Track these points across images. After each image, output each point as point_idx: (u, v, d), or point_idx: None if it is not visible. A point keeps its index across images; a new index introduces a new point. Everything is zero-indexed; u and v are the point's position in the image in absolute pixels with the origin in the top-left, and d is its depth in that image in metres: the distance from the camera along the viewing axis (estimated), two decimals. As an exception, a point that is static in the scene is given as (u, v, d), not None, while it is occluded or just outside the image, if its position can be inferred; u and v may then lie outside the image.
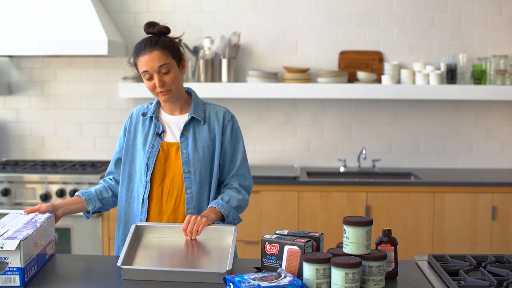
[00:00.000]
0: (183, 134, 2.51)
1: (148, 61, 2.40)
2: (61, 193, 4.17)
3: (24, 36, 4.30)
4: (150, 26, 2.47)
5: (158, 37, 2.44)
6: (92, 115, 4.81)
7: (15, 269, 2.02)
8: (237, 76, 4.69)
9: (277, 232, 2.20)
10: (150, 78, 2.42)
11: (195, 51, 4.60)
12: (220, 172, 2.56)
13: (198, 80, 4.56)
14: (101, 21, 4.31)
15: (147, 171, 2.49)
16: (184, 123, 2.51)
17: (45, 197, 4.18)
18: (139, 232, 2.37)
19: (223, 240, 2.34)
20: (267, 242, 2.11)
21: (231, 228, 2.34)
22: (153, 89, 2.43)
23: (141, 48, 2.43)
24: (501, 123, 4.72)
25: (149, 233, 2.38)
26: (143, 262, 2.23)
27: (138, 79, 4.50)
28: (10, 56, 4.75)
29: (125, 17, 4.72)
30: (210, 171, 2.52)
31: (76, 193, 2.58)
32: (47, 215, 2.37)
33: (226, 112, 2.57)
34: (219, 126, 2.53)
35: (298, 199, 4.19)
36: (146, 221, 2.49)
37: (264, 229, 4.17)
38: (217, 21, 4.70)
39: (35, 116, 4.84)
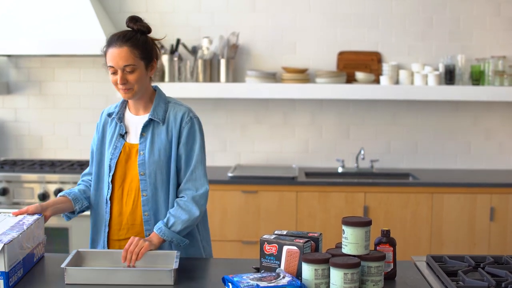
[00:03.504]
0: (142, 135, 2.47)
1: (115, 56, 2.36)
2: (59, 193, 4.15)
3: (23, 36, 4.30)
4: (132, 20, 2.44)
5: (134, 34, 2.41)
6: (90, 115, 4.80)
7: None
8: (235, 76, 4.68)
9: (276, 232, 2.20)
10: (114, 73, 2.39)
11: (194, 51, 4.60)
12: (177, 175, 2.50)
13: (197, 80, 4.56)
14: (99, 21, 4.30)
15: (109, 172, 2.48)
16: (143, 124, 2.48)
17: (43, 197, 4.17)
18: (81, 258, 2.33)
19: (166, 264, 2.27)
20: (266, 242, 2.11)
21: (173, 253, 2.28)
22: (115, 84, 2.41)
23: (113, 40, 2.39)
24: (500, 124, 4.72)
25: (91, 259, 2.33)
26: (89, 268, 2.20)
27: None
28: (9, 56, 4.74)
29: (124, 17, 4.66)
30: (167, 174, 2.47)
31: (60, 194, 2.56)
32: (35, 217, 2.34)
33: (186, 112, 2.49)
34: (176, 128, 2.47)
35: (296, 199, 4.19)
36: (109, 222, 2.50)
37: (262, 229, 4.17)
38: (216, 21, 4.69)
39: (33, 115, 4.83)
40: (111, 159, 2.49)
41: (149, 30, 2.46)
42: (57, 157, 4.84)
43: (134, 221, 2.48)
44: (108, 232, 2.52)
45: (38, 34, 4.29)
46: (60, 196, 2.55)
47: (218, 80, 4.59)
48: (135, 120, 2.51)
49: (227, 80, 4.55)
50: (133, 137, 2.50)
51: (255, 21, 4.70)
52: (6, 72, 4.82)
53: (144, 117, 2.50)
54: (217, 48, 4.55)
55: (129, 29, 2.44)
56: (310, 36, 4.70)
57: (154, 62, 2.48)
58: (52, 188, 4.20)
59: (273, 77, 4.55)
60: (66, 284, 2.10)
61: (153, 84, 2.58)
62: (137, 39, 2.40)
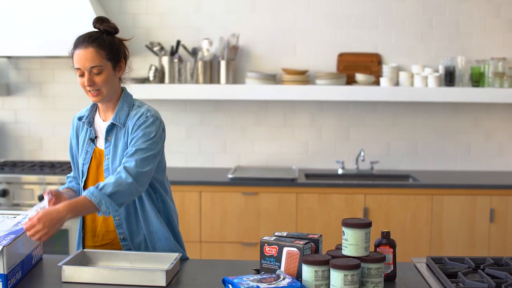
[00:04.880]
0: (107, 139, 2.44)
1: (82, 58, 2.33)
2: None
3: (23, 37, 4.30)
4: (98, 21, 2.39)
5: (100, 34, 2.37)
6: (90, 116, 4.80)
7: None
8: (235, 77, 4.69)
9: (276, 234, 2.20)
10: (82, 75, 2.35)
11: (194, 52, 4.60)
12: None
13: (197, 82, 4.56)
14: (100, 22, 4.31)
15: (82, 177, 2.47)
16: (106, 129, 2.44)
17: (43, 198, 4.17)
18: (86, 258, 2.33)
19: (165, 265, 2.24)
20: (266, 244, 2.11)
21: (173, 255, 2.27)
22: (83, 86, 2.37)
23: (79, 42, 2.35)
24: (499, 126, 4.72)
25: (96, 259, 2.33)
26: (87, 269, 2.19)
27: (136, 80, 4.51)
28: (9, 57, 4.75)
29: (124, 18, 4.71)
30: None
31: (63, 187, 2.53)
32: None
33: (144, 112, 2.41)
34: (131, 127, 2.40)
35: (296, 201, 4.19)
36: (84, 228, 2.49)
37: (262, 230, 4.17)
38: (216, 23, 4.70)
39: (33, 117, 4.84)
40: (83, 164, 2.46)
41: (116, 30, 2.42)
42: (57, 158, 4.84)
43: (107, 228, 2.46)
44: (84, 238, 2.50)
45: (38, 35, 4.30)
46: (65, 188, 2.52)
47: (218, 81, 4.59)
48: (102, 125, 2.47)
49: (227, 82, 4.56)
50: (102, 142, 2.46)
51: (255, 22, 4.70)
52: (6, 73, 4.82)
53: (108, 122, 2.46)
54: (217, 50, 4.56)
55: (95, 30, 2.40)
56: (310, 38, 4.70)
57: (122, 63, 2.43)
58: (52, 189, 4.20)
59: (273, 78, 4.55)
60: (62, 282, 2.11)
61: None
62: (103, 39, 2.36)
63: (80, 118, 2.52)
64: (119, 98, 2.46)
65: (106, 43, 2.36)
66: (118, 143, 2.42)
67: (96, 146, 2.46)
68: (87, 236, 2.50)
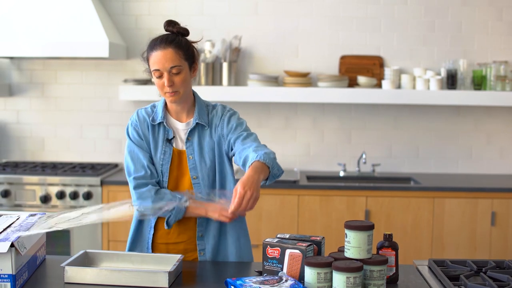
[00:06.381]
0: (188, 139, 2.49)
1: (161, 59, 2.37)
2: (61, 195, 4.17)
3: (26, 38, 4.31)
4: (170, 24, 2.45)
5: (176, 36, 2.43)
6: (92, 117, 4.81)
7: (6, 276, 1.99)
8: (237, 79, 4.69)
9: (278, 235, 2.20)
10: (160, 76, 2.40)
11: (196, 54, 4.60)
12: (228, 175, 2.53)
13: (199, 84, 4.56)
14: (102, 24, 4.31)
15: (162, 177, 2.47)
16: (189, 129, 2.49)
17: (45, 199, 4.18)
18: (88, 259, 2.33)
19: (168, 267, 2.24)
20: (268, 246, 2.11)
21: (176, 256, 2.28)
22: (161, 87, 2.41)
23: (156, 44, 2.40)
24: (501, 129, 4.73)
25: (99, 260, 2.33)
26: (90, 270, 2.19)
27: (139, 81, 4.51)
28: (11, 58, 4.75)
29: (127, 19, 4.72)
30: (221, 174, 2.50)
31: (168, 195, 2.47)
32: (38, 215, 2.35)
33: (222, 107, 2.56)
34: (218, 122, 2.51)
35: (297, 203, 4.19)
36: (155, 224, 2.49)
37: (263, 232, 4.17)
38: (218, 25, 4.70)
39: (35, 117, 4.84)
40: (162, 164, 2.47)
41: (187, 32, 2.48)
42: (59, 159, 4.84)
43: (186, 226, 2.49)
44: (154, 235, 2.51)
45: (41, 36, 4.30)
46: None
47: (220, 83, 4.59)
48: (179, 127, 2.51)
49: (229, 84, 4.56)
50: (180, 143, 2.50)
51: (258, 24, 4.71)
52: (8, 74, 4.83)
53: (188, 123, 2.50)
54: (219, 52, 4.56)
55: (168, 32, 2.45)
56: (312, 40, 4.70)
57: (195, 64, 2.50)
58: (53, 190, 4.21)
59: (275, 80, 4.55)
60: (65, 283, 2.12)
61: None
62: (179, 40, 2.42)
63: (153, 120, 2.50)
64: (193, 100, 2.53)
65: (183, 44, 2.43)
66: (203, 142, 2.48)
67: (174, 147, 2.49)
68: (159, 233, 2.50)
